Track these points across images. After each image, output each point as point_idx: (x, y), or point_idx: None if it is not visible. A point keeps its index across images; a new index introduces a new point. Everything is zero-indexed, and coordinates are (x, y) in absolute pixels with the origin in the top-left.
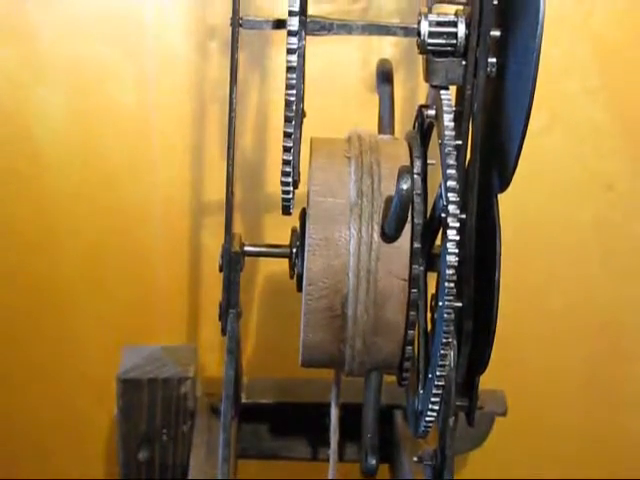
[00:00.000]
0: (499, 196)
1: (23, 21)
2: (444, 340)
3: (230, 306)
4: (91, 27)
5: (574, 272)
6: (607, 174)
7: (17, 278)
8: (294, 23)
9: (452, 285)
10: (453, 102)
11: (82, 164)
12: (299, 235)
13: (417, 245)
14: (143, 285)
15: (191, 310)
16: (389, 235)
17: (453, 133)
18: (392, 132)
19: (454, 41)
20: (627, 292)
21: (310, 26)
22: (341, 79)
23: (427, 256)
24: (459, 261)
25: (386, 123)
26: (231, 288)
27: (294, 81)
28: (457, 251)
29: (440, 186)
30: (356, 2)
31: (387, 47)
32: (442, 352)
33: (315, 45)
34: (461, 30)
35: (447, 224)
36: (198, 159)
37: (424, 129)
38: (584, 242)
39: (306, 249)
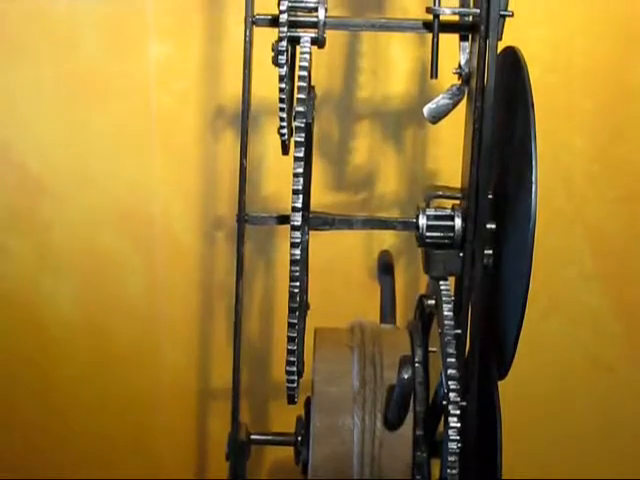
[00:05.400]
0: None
1: (36, 213)
2: None
3: None
4: (101, 219)
5: (576, 453)
6: (607, 357)
7: (23, 460)
8: (297, 219)
9: (454, 472)
10: (452, 292)
11: (90, 349)
12: (304, 423)
13: (420, 432)
14: (150, 468)
15: None
16: (392, 423)
17: (452, 322)
18: (394, 321)
19: (451, 234)
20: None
21: (313, 221)
22: (344, 268)
23: (430, 442)
24: (461, 447)
25: (388, 312)
26: (238, 477)
27: (298, 273)
28: (458, 438)
29: (441, 373)
30: (357, 194)
31: (388, 237)
32: None
33: (319, 234)
34: (458, 223)
35: (448, 411)
36: (205, 346)
37: (425, 318)
38: (586, 424)
39: (311, 437)
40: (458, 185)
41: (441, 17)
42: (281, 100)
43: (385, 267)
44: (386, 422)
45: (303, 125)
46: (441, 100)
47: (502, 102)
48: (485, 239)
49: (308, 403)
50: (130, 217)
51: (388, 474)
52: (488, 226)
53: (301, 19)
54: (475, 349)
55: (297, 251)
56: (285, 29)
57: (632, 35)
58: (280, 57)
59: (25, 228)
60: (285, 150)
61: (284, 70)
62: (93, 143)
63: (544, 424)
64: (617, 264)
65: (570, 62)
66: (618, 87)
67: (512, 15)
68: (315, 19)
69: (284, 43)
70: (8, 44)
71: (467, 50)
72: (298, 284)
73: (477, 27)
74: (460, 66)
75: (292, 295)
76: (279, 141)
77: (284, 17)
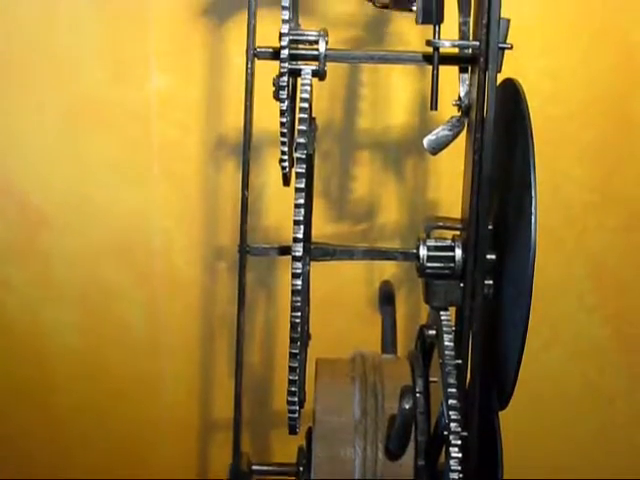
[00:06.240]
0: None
1: (36, 244)
2: None
3: None
4: (101, 250)
5: None
6: (607, 388)
7: None
8: (298, 249)
9: None
10: (453, 322)
11: (90, 380)
12: (305, 453)
13: (421, 462)
14: None
15: None
16: (393, 453)
17: (453, 353)
18: (395, 351)
19: (452, 264)
20: None
21: (314, 252)
22: (345, 298)
23: (432, 472)
24: (462, 477)
25: (389, 342)
26: None
27: (299, 304)
28: (460, 468)
29: (442, 404)
30: (358, 225)
31: (389, 267)
32: None
33: (320, 265)
34: (458, 254)
35: (449, 442)
36: (206, 376)
37: (426, 348)
38: (586, 454)
39: (312, 467)
40: (458, 216)
41: (441, 49)
42: (282, 134)
43: (386, 297)
44: (387, 452)
45: (304, 156)
46: (441, 131)
47: (502, 133)
48: (485, 269)
49: (309, 433)
50: (131, 248)
51: None
52: (488, 256)
53: (302, 52)
54: (476, 379)
55: (298, 282)
56: (286, 64)
57: (632, 67)
58: (281, 92)
59: (25, 259)
60: (286, 181)
61: (285, 105)
62: (94, 174)
63: (545, 454)
64: (618, 294)
65: (570, 93)
66: (618, 118)
67: (511, 48)
68: (316, 52)
69: (285, 78)
70: (10, 76)
71: (467, 82)
72: (299, 314)
73: (477, 59)
74: (460, 98)
75: (293, 325)
76: (280, 171)
77: (285, 53)
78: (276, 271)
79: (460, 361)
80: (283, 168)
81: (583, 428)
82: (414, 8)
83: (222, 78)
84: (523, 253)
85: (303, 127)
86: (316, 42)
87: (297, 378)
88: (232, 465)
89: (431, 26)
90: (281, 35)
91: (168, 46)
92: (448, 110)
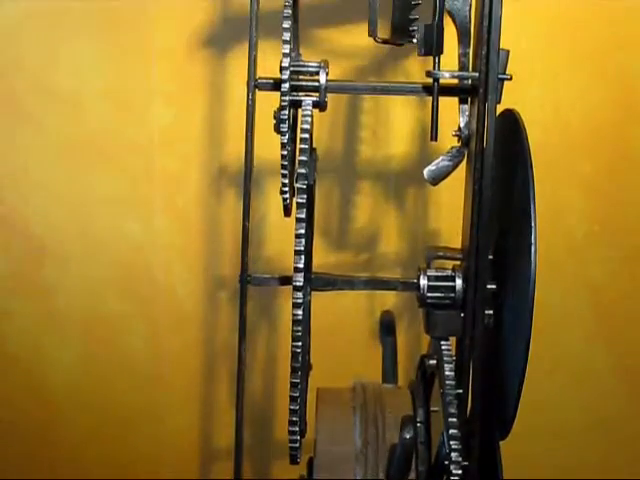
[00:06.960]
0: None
1: (39, 276)
2: None
3: None
4: (103, 281)
5: None
6: (609, 417)
7: None
8: (299, 279)
9: None
10: (453, 352)
11: (92, 411)
12: None
13: None
14: None
15: None
16: None
17: (454, 382)
18: (395, 381)
19: (452, 294)
20: None
21: (315, 282)
22: (346, 328)
23: None
24: None
25: (389, 372)
26: None
27: (300, 333)
28: None
29: (443, 433)
30: (359, 254)
31: (390, 297)
32: None
33: (321, 295)
34: (458, 284)
35: (450, 471)
36: (207, 406)
37: (426, 378)
38: None
39: None
40: (459, 245)
41: (441, 80)
42: (283, 166)
43: (387, 327)
44: None
45: (305, 187)
46: (441, 162)
47: (501, 164)
48: (486, 299)
49: (310, 463)
50: (133, 279)
51: None
52: (489, 286)
53: (303, 83)
54: (477, 409)
55: (299, 311)
56: (287, 98)
57: (632, 98)
58: (282, 125)
59: (28, 292)
60: (287, 212)
61: (286, 137)
62: (96, 206)
63: None
64: (619, 324)
65: (570, 123)
66: (618, 148)
67: (510, 79)
68: (316, 83)
69: (286, 112)
70: (13, 107)
71: (466, 113)
72: (300, 344)
73: (476, 90)
74: (460, 128)
75: (294, 355)
76: (281, 201)
77: (286, 86)
78: (277, 301)
79: (461, 391)
80: (284, 199)
81: (584, 457)
82: (415, 40)
83: (223, 109)
84: (523, 283)
85: (304, 158)
86: (317, 73)
87: (298, 408)
88: None
89: (431, 57)
90: (282, 69)
91: (170, 78)
92: (448, 140)
